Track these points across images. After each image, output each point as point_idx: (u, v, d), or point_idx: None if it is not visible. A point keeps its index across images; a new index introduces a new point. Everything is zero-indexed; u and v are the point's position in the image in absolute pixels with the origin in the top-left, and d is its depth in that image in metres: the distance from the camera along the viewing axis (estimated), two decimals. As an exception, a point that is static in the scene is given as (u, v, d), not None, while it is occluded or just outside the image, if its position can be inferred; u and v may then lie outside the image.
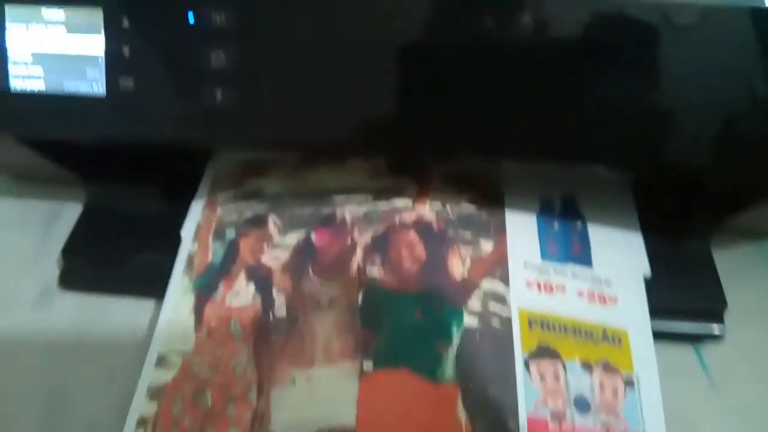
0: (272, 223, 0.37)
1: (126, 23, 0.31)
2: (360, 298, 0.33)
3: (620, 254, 0.36)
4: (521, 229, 0.36)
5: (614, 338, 0.33)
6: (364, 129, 0.30)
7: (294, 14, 0.29)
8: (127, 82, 0.32)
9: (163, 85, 0.31)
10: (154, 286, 0.38)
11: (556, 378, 0.31)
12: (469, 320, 0.32)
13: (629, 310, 0.34)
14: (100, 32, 0.31)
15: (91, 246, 0.40)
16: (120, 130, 0.33)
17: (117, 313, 0.38)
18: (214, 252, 0.37)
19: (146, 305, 0.38)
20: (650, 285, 0.35)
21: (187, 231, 0.38)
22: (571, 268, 0.35)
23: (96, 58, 0.32)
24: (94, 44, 0.32)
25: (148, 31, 0.31)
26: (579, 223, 0.38)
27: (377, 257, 0.35)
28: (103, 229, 0.41)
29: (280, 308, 0.34)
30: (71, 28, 0.32)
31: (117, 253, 0.39)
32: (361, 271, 0.34)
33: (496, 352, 0.31)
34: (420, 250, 0.35)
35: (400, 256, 0.34)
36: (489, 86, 0.30)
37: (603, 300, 0.35)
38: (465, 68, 0.30)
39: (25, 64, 0.32)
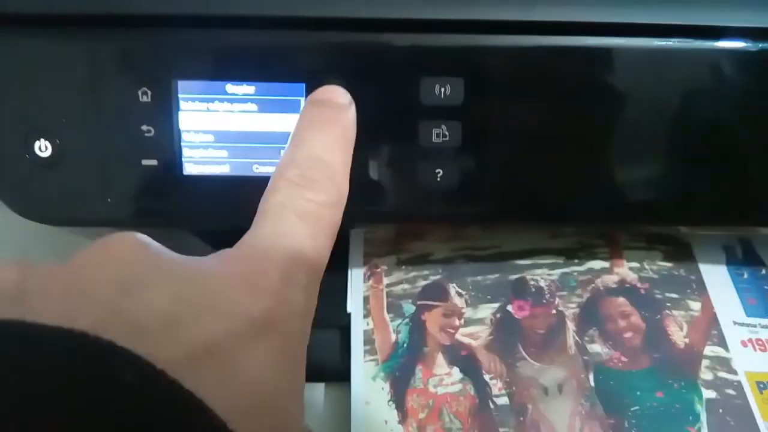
0: (455, 293, 0.34)
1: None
2: (591, 380, 0.31)
3: (805, 298, 0.36)
4: (719, 283, 0.35)
5: (829, 392, 0.33)
6: (616, 203, 0.28)
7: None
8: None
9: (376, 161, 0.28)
10: (322, 372, 0.34)
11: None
12: (707, 393, 0.31)
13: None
14: (298, 110, 0.27)
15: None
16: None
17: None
18: (396, 330, 0.34)
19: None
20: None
21: (355, 305, 0.35)
22: (774, 321, 0.34)
23: (292, 136, 0.28)
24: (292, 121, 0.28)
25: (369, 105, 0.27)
26: (763, 270, 0.37)
27: (593, 330, 0.32)
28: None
29: (500, 396, 0.31)
30: (265, 106, 0.27)
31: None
32: (581, 347, 0.32)
33: (741, 426, 0.30)
34: (637, 319, 0.32)
35: (618, 327, 0.32)
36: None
37: (808, 352, 0.34)
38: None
39: (204, 146, 0.28)
